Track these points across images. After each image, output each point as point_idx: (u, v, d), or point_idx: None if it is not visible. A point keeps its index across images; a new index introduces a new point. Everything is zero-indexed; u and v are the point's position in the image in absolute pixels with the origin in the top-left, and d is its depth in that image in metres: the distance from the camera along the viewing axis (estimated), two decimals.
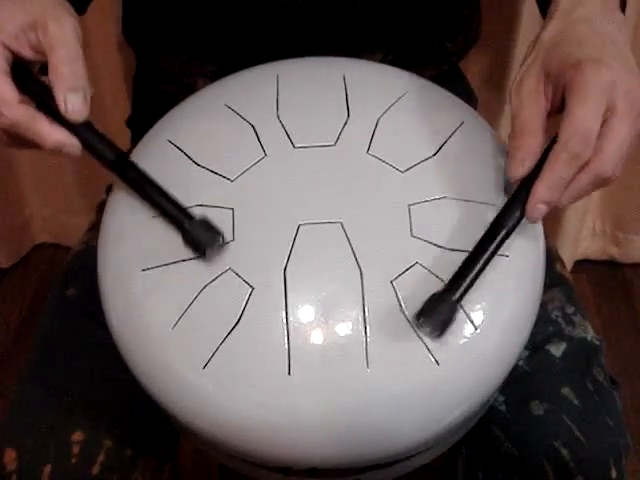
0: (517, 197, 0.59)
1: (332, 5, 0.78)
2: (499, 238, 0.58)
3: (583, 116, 0.55)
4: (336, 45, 0.77)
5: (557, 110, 0.60)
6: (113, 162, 0.62)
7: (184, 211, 0.60)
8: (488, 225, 0.59)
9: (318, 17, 0.79)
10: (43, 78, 0.62)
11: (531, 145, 0.58)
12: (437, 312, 0.55)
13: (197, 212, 0.60)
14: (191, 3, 0.79)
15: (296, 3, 0.77)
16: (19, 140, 0.62)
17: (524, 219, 0.59)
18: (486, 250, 0.57)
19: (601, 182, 0.57)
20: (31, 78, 0.62)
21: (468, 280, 0.56)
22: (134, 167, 0.63)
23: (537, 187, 0.57)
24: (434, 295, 0.56)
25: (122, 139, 0.98)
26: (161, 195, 0.61)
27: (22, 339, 1.54)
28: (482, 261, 0.57)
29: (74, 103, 0.59)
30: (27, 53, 0.61)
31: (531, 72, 0.60)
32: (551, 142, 0.58)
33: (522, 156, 0.58)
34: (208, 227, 0.59)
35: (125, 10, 0.90)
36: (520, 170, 0.58)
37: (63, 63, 0.59)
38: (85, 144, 0.62)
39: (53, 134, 0.60)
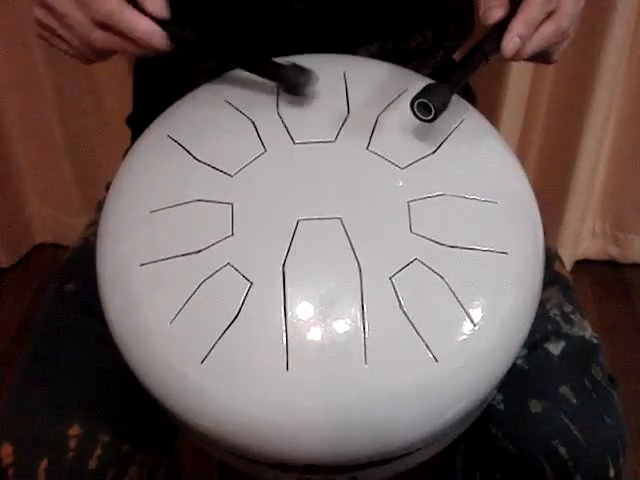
0: (493, 32, 0.66)
1: (333, 10, 0.79)
2: (480, 58, 0.66)
3: None
4: (335, 37, 0.78)
5: None
6: (196, 44, 0.67)
7: (275, 63, 0.67)
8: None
9: (319, 10, 0.79)
10: None
11: None
12: (432, 95, 0.61)
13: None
14: (194, 15, 0.79)
15: (298, 5, 0.78)
16: (108, 37, 0.66)
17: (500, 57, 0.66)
18: (471, 62, 0.66)
19: (560, 35, 0.67)
20: None
21: (458, 78, 0.64)
22: (218, 44, 0.68)
23: (514, 23, 0.64)
24: (428, 85, 0.62)
25: (123, 138, 0.98)
26: (251, 57, 0.68)
27: (22, 339, 1.54)
28: (467, 68, 0.66)
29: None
30: None
31: None
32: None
33: (500, 3, 0.66)
34: (299, 69, 0.66)
35: None
36: (500, 12, 0.66)
37: None
38: (170, 35, 0.66)
39: (143, 22, 0.64)
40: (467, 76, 0.66)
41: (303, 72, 0.66)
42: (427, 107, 0.61)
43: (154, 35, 0.65)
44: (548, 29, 0.66)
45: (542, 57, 0.71)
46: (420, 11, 0.85)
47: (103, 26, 0.65)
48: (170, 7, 0.66)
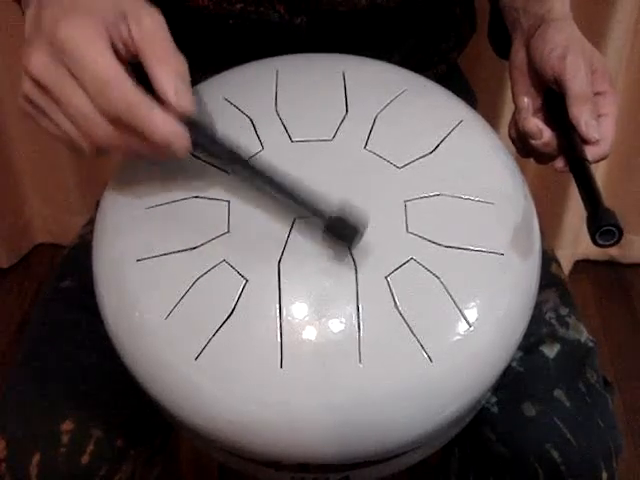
0: (575, 139, 0.65)
1: (336, 26, 0.79)
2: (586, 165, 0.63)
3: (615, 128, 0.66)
4: None
5: None
6: (228, 162, 0.59)
7: (319, 210, 0.58)
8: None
9: (322, 38, 0.79)
10: None
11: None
12: (615, 221, 0.57)
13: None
14: (195, 29, 0.79)
15: (302, 26, 0.78)
16: (120, 134, 0.54)
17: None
18: (585, 173, 0.62)
19: None
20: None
21: (597, 196, 0.59)
22: (255, 169, 0.59)
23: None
24: (592, 213, 0.58)
25: None
26: (291, 194, 0.58)
27: (22, 339, 1.54)
28: (591, 180, 0.61)
29: (184, 92, 0.54)
30: (120, 47, 0.54)
31: (585, 62, 0.67)
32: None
33: (594, 117, 0.65)
34: (346, 223, 0.57)
35: None
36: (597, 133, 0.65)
37: (168, 53, 0.54)
38: (196, 144, 0.57)
39: (168, 124, 0.53)
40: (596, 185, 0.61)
41: (351, 226, 0.57)
42: (611, 233, 0.57)
43: (177, 139, 0.54)
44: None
45: None
46: (423, 29, 0.85)
47: (115, 121, 0.53)
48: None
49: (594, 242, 0.57)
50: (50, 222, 1.70)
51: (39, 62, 0.54)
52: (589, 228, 0.57)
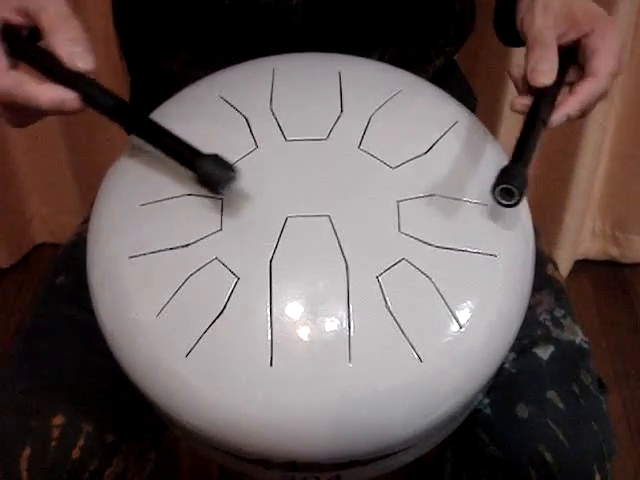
0: (543, 102, 0.65)
1: (332, 9, 0.79)
2: (540, 126, 0.64)
3: (615, 62, 0.66)
4: (333, 47, 0.78)
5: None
6: (114, 111, 0.62)
7: (193, 149, 0.60)
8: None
9: (318, 21, 0.79)
10: None
11: (554, 58, 0.65)
12: (514, 177, 0.58)
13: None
14: (191, 10, 0.79)
15: (297, 9, 0.78)
16: (17, 111, 0.62)
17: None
18: (534, 131, 0.63)
19: (592, 106, 0.68)
20: (21, 41, 0.62)
21: (529, 151, 0.61)
22: (136, 114, 0.63)
23: (571, 103, 0.65)
24: (504, 168, 0.59)
25: (123, 138, 0.98)
26: (167, 136, 0.62)
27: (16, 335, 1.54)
28: (533, 138, 0.63)
29: (79, 54, 0.60)
30: (14, 17, 0.61)
31: (548, 14, 0.67)
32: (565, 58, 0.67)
33: (551, 67, 0.64)
34: (220, 163, 0.59)
35: (118, 13, 0.90)
36: (549, 79, 0.64)
37: (60, 19, 0.60)
38: (85, 96, 0.61)
39: (46, 92, 0.59)
40: (535, 149, 0.63)
41: (223, 167, 0.60)
42: (510, 192, 0.58)
43: (65, 102, 0.60)
44: (593, 105, 0.68)
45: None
46: (421, 20, 0.85)
47: (8, 104, 0.61)
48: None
49: (493, 198, 0.59)
50: (50, 222, 1.70)
51: None
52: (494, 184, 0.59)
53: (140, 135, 0.63)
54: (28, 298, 1.63)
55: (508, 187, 0.58)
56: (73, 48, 0.60)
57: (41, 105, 0.60)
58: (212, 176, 0.59)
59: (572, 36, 0.68)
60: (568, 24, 0.67)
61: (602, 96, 0.67)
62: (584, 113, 0.68)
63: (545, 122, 0.64)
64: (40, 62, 0.61)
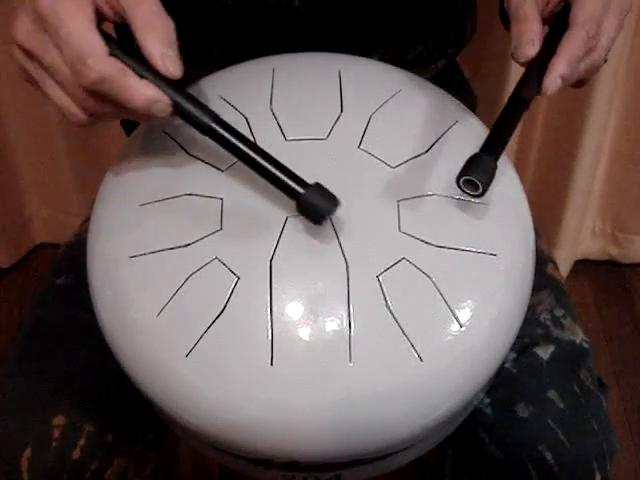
0: (530, 75, 0.63)
1: (333, 10, 0.79)
2: (520, 109, 0.62)
3: (596, 4, 0.62)
4: (334, 48, 0.78)
5: (547, 14, 0.66)
6: (207, 127, 0.58)
7: (298, 178, 0.58)
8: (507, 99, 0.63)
9: (319, 21, 0.79)
10: None
11: (537, 29, 0.62)
12: (479, 169, 0.58)
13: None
14: (192, 10, 0.79)
15: (299, 9, 0.78)
16: (102, 103, 0.56)
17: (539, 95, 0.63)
18: (511, 118, 0.62)
19: (592, 71, 0.65)
20: (110, 38, 0.56)
21: (501, 142, 0.60)
22: (233, 132, 0.59)
23: (557, 62, 0.61)
24: (472, 157, 0.59)
25: (123, 138, 0.99)
26: (269, 161, 0.58)
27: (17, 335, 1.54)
28: (509, 127, 0.61)
29: (171, 58, 0.55)
30: (107, 10, 0.56)
31: None
32: (553, 29, 0.65)
33: (531, 37, 0.62)
34: (323, 193, 0.58)
35: None
36: (532, 50, 0.62)
37: (155, 17, 0.55)
38: (177, 104, 0.57)
39: (144, 89, 0.55)
40: (511, 134, 0.62)
41: (327, 198, 0.58)
42: (474, 183, 0.58)
43: (157, 104, 0.55)
44: (584, 65, 0.64)
45: (575, 85, 0.68)
46: (422, 22, 0.85)
47: (94, 93, 0.55)
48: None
49: (458, 186, 0.59)
50: (50, 222, 1.70)
51: (23, 30, 0.55)
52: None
53: (238, 157, 0.59)
54: (28, 298, 1.63)
55: (472, 179, 0.58)
56: (165, 50, 0.55)
57: (135, 102, 0.55)
58: (316, 208, 0.58)
59: None
60: None
61: (595, 48, 0.63)
62: (585, 73, 0.65)
63: (528, 101, 0.62)
64: (126, 58, 0.56)
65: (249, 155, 0.58)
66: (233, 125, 0.59)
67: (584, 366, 0.76)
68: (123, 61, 0.55)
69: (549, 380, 0.74)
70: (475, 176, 0.58)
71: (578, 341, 0.78)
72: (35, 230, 1.72)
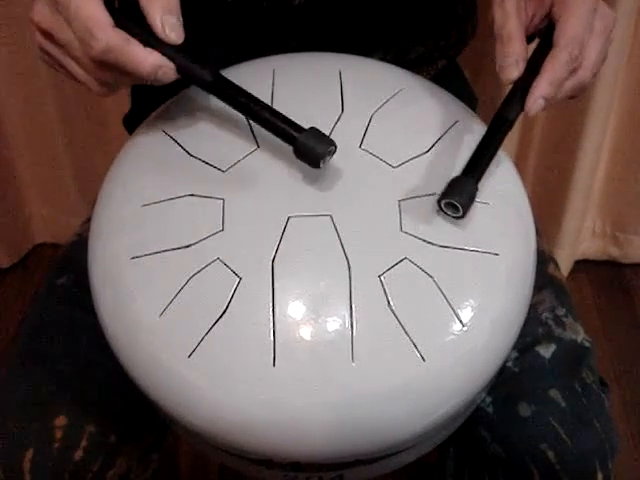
0: (515, 94, 0.64)
1: (334, 10, 0.79)
2: (504, 129, 0.63)
3: (578, 25, 0.62)
4: (335, 48, 0.78)
5: (533, 29, 0.67)
6: (209, 83, 0.62)
7: (293, 123, 0.61)
8: (491, 120, 0.64)
9: (320, 21, 0.79)
10: None
11: (521, 50, 0.63)
12: (459, 192, 0.59)
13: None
14: (193, 9, 0.79)
15: (300, 9, 0.78)
16: (109, 72, 0.60)
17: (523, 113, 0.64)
18: (494, 139, 0.63)
19: (580, 89, 0.65)
20: (115, 9, 0.60)
21: (482, 165, 0.62)
22: (232, 86, 0.62)
23: (539, 83, 0.62)
24: (453, 180, 0.60)
25: (123, 138, 0.98)
26: (266, 110, 0.61)
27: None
28: (491, 149, 0.63)
29: (172, 24, 0.59)
30: None
31: (505, 4, 0.64)
32: (539, 48, 0.65)
33: (515, 59, 0.63)
34: (319, 137, 0.60)
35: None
36: (516, 72, 0.63)
37: None
38: (180, 67, 0.60)
39: (149, 56, 0.58)
40: (494, 155, 0.63)
41: (323, 140, 0.60)
42: (455, 206, 0.59)
43: (161, 69, 0.59)
44: (571, 84, 0.64)
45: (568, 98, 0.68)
46: (422, 22, 0.85)
47: (103, 64, 0.59)
48: None
49: (440, 207, 0.60)
50: (50, 222, 1.70)
51: (40, 13, 0.60)
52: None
53: (239, 109, 0.62)
54: (28, 298, 1.63)
55: (452, 202, 0.59)
56: (167, 17, 0.59)
57: (141, 69, 0.58)
58: (312, 149, 0.60)
59: (541, 13, 0.65)
60: (536, 2, 0.65)
61: (580, 67, 0.63)
62: (572, 92, 0.65)
63: (511, 121, 0.63)
64: (132, 27, 0.59)
65: (248, 105, 0.62)
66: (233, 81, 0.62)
67: (586, 365, 0.76)
68: (129, 30, 0.59)
69: (551, 379, 0.74)
70: (456, 199, 0.59)
71: (579, 340, 0.78)
72: (35, 230, 1.72)
